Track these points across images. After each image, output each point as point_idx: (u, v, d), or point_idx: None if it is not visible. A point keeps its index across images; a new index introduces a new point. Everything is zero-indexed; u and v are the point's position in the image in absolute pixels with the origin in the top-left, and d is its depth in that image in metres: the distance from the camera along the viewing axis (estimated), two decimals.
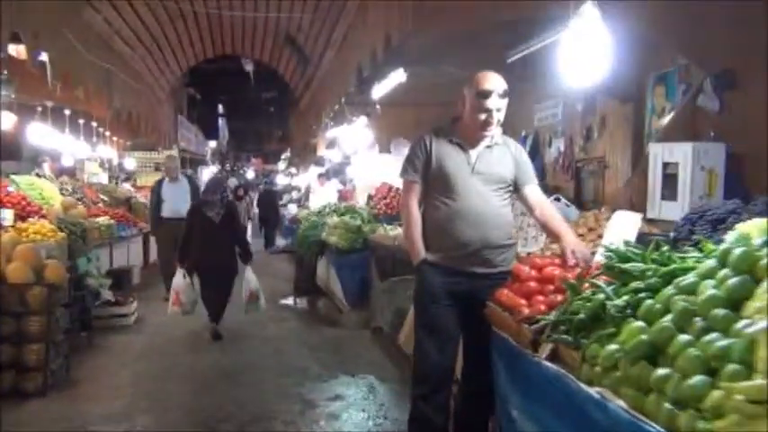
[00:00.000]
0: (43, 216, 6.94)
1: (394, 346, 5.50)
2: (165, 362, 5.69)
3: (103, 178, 15.45)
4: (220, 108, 31.67)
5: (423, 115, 9.64)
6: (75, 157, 12.04)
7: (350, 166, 12.21)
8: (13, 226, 6.17)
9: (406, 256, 5.21)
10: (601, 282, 2.45)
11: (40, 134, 9.22)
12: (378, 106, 7.63)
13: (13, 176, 8.32)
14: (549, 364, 2.35)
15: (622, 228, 3.15)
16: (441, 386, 3.31)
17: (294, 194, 23.20)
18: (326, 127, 10.59)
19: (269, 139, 36.98)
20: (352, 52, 7.11)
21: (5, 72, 6.96)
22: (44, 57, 5.60)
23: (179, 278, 6.49)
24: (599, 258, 2.88)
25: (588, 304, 2.30)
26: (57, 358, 4.78)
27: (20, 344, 4.47)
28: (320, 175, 15.05)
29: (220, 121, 33.03)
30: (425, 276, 3.29)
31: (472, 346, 3.34)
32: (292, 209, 20.40)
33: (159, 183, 9.03)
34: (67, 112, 9.27)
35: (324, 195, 15.94)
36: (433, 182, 3.30)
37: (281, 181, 27.18)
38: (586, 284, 2.57)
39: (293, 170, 28.55)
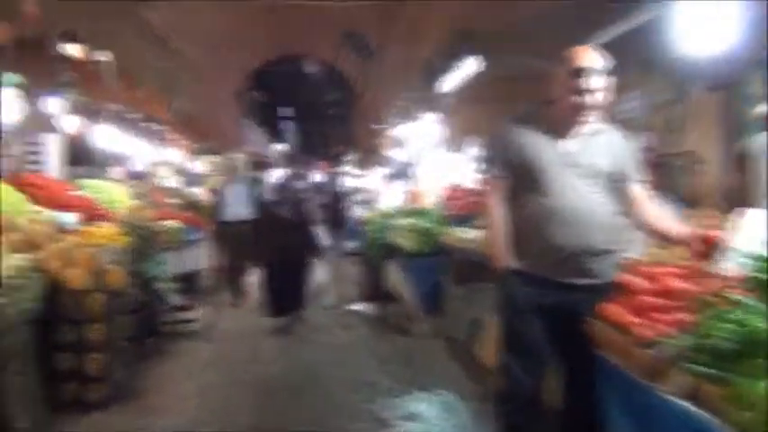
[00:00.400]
0: (111, 220, 6.85)
1: (472, 358, 5.09)
2: (230, 372, 5.45)
3: (174, 182, 15.64)
4: (285, 111, 31.86)
5: (497, 112, 9.19)
6: (143, 160, 12.12)
7: (416, 167, 11.84)
8: (78, 230, 6.08)
9: (484, 261, 4.79)
10: (745, 298, 1.99)
11: (106, 137, 9.20)
12: (448, 100, 7.20)
13: (83, 180, 8.33)
14: (683, 402, 1.90)
15: (755, 230, 2.66)
16: (526, 407, 2.90)
17: (359, 196, 23.07)
18: (391, 126, 10.24)
19: (333, 141, 37.04)
20: (419, 43, 6.73)
21: (69, 74, 6.92)
22: (103, 56, 5.47)
23: (254, 275, 7.00)
24: (731, 267, 2.40)
25: (740, 328, 1.83)
26: (120, 367, 4.60)
27: (81, 353, 4.30)
28: (385, 177, 14.74)
29: (285, 125, 33.25)
30: (510, 287, 2.87)
31: (572, 371, 2.90)
32: (357, 211, 20.27)
33: (224, 184, 8.92)
34: (133, 115, 9.28)
35: (390, 197, 15.71)
36: (519, 177, 2.87)
37: (346, 183, 27.11)
38: (720, 299, 2.10)
39: (357, 171, 28.44)
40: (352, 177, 28.20)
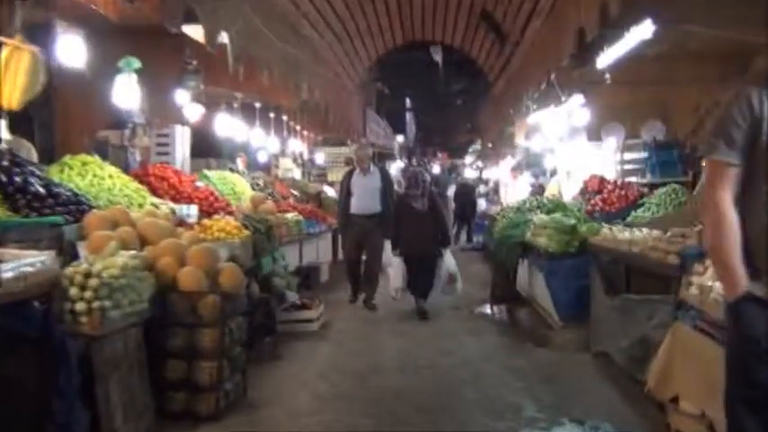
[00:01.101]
0: (230, 213, 6.58)
1: (634, 384, 4.25)
2: (349, 383, 4.92)
3: (296, 174, 15.56)
4: (408, 102, 31.44)
5: (661, 96, 8.15)
6: (268, 151, 12.01)
7: (548, 157, 10.88)
8: (198, 222, 5.80)
9: (652, 267, 3.93)
10: None
11: (228, 127, 9.01)
12: (607, 75, 6.27)
13: (205, 171, 8.20)
14: None
15: None
16: None
17: (482, 189, 22.14)
18: (527, 112, 9.36)
19: (455, 132, 36.25)
20: (569, 15, 5.85)
21: (194, 62, 6.68)
22: (224, 38, 5.11)
23: (395, 263, 7.30)
24: None
25: None
26: (232, 376, 4.19)
27: (191, 360, 3.91)
28: (516, 168, 13.86)
29: (408, 116, 32.86)
30: (745, 318, 2.07)
31: None
32: (482, 204, 19.38)
33: (349, 175, 8.28)
34: (258, 105, 9.02)
35: (517, 189, 14.84)
36: (758, 162, 2.08)
37: (468, 175, 26.32)
38: None
39: (480, 163, 27.58)
40: (474, 169, 27.39)
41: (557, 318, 6.14)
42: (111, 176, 5.22)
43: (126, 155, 10.03)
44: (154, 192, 6.19)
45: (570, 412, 4.13)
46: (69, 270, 3.25)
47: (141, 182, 6.29)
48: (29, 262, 2.90)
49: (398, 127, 28.74)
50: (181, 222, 5.59)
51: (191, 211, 5.77)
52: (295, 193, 10.96)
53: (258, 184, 9.48)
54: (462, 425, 4.01)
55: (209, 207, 6.45)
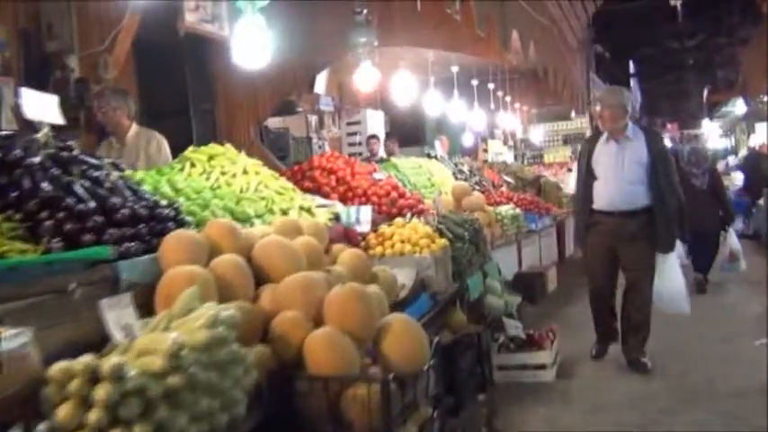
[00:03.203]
0: (421, 212, 4.77)
1: None
2: None
3: (508, 157, 13.48)
4: (632, 67, 27.46)
5: None
6: (474, 132, 10.10)
7: None
8: (374, 230, 4.06)
9: None
10: None
11: (427, 102, 7.18)
12: None
13: (393, 159, 6.52)
14: None
15: None
16: None
17: (730, 160, 18.25)
18: None
19: (687, 98, 31.32)
20: None
21: (364, 10, 4.90)
22: None
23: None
24: None
25: None
26: None
27: None
28: None
29: (632, 82, 28.82)
30: None
31: None
32: (737, 179, 15.68)
33: (590, 144, 4.96)
34: (455, 69, 7.09)
35: None
36: None
37: (712, 145, 22.41)
38: None
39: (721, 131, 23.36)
40: (724, 137, 23.10)
41: None
42: (246, 172, 3.66)
43: (310, 148, 8.68)
44: (319, 190, 4.61)
45: None
46: (60, 367, 1.60)
47: (303, 177, 4.74)
48: None
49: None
50: (347, 232, 3.88)
51: (361, 215, 4.03)
52: (508, 179, 8.94)
53: (462, 171, 7.62)
54: None
55: (393, 207, 4.70)
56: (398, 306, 3.30)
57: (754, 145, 13.04)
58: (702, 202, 6.81)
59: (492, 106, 8.93)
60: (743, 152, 18.78)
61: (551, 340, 4.66)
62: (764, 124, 16.65)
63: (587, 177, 4.79)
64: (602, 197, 4.69)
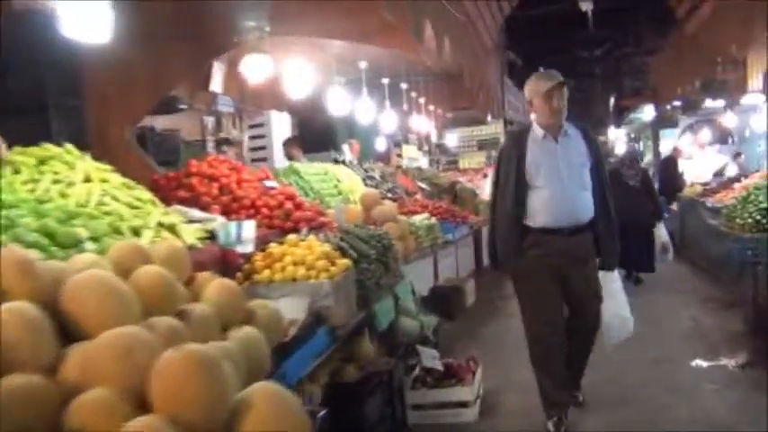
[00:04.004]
0: (322, 225, 4.07)
1: None
2: None
3: (423, 163, 13.01)
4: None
5: None
6: (387, 135, 9.50)
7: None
8: (262, 249, 3.33)
9: None
10: None
11: (335, 101, 6.49)
12: None
13: (294, 164, 5.79)
14: None
15: None
16: None
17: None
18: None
19: (594, 104, 32.22)
20: None
21: None
22: None
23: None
24: None
25: None
26: None
27: None
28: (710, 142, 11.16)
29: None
30: None
31: None
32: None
33: (517, 142, 3.74)
34: (363, 64, 6.43)
35: (703, 163, 12.93)
36: None
37: (619, 150, 23.01)
38: None
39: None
40: (629, 142, 23.78)
41: None
42: (88, 180, 2.85)
43: (204, 153, 7.83)
44: (197, 201, 3.83)
45: None
46: None
47: (178, 186, 3.94)
48: None
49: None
50: (225, 255, 3.14)
51: (243, 232, 3.28)
52: (423, 186, 8.39)
53: (373, 178, 6.99)
54: None
55: (287, 220, 3.98)
56: (286, 348, 2.62)
57: (670, 149, 13.19)
58: (637, 201, 7.12)
59: (405, 107, 8.35)
60: (648, 157, 19.21)
61: (473, 372, 4.05)
62: (670, 131, 17.05)
63: (517, 187, 3.60)
64: (545, 212, 3.57)
